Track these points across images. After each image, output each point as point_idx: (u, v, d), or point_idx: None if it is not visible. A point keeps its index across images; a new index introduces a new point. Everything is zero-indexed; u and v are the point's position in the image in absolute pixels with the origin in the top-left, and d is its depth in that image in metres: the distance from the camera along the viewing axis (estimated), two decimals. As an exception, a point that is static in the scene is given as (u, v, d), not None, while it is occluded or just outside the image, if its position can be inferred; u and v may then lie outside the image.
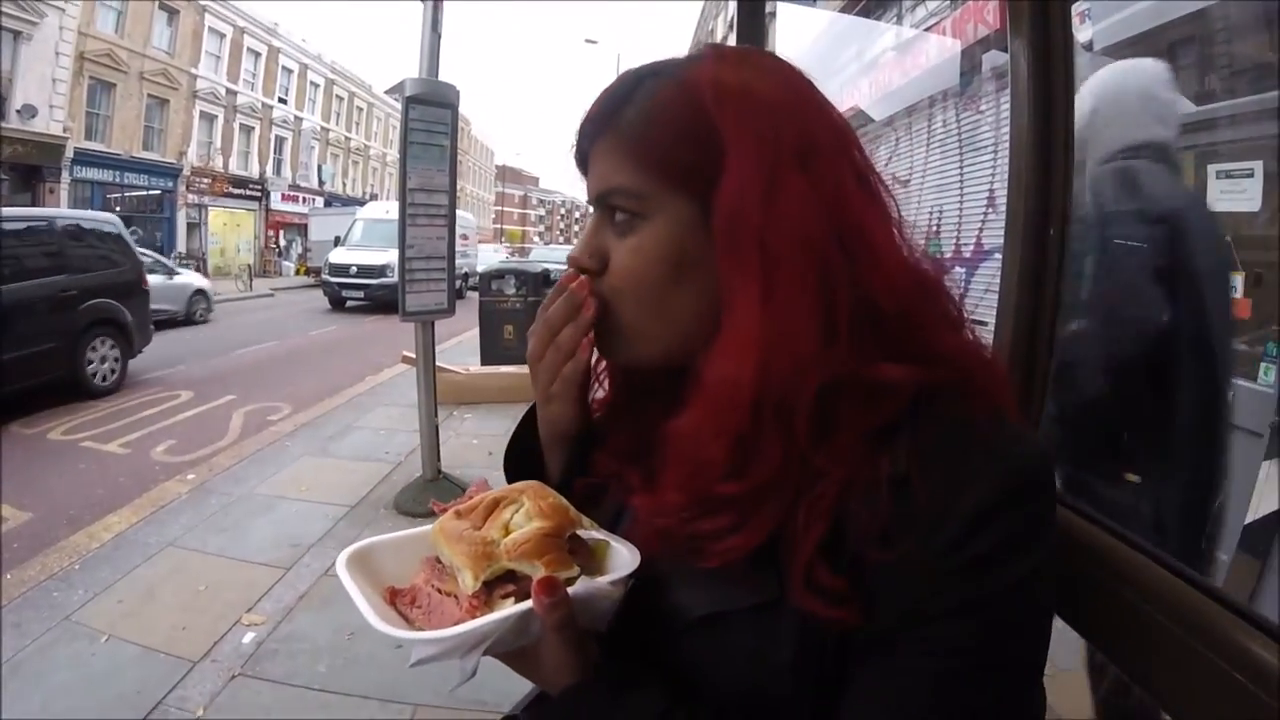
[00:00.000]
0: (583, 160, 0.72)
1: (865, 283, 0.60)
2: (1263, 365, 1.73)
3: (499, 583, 0.60)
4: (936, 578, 0.54)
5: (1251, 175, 1.76)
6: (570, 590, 0.58)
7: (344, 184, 36.91)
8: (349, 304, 18.63)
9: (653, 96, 0.66)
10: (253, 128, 29.22)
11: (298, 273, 30.03)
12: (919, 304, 0.63)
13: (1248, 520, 1.62)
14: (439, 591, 0.62)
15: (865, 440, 0.57)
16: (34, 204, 18.83)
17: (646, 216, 0.66)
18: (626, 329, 0.69)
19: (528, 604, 0.57)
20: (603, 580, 0.61)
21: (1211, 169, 1.88)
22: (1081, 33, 2.27)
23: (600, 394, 0.82)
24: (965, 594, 0.53)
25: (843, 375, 0.59)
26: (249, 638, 3.10)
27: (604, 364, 0.79)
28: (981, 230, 3.18)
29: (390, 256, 17.64)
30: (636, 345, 0.70)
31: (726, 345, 0.61)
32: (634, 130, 0.66)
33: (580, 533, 0.65)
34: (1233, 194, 1.81)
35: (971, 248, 3.22)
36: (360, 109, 39.22)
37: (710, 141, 0.62)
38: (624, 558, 0.64)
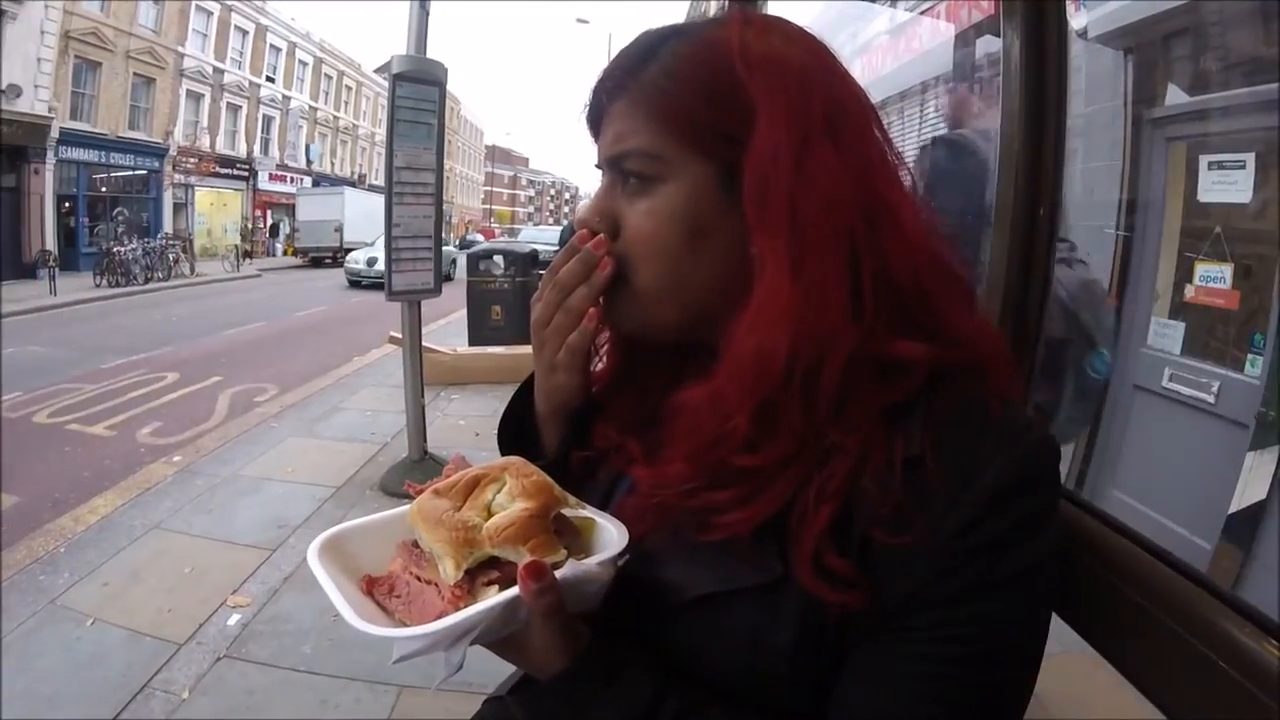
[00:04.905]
0: (596, 121, 0.70)
1: (886, 257, 0.59)
2: (1249, 356, 1.74)
3: (482, 569, 0.58)
4: (944, 561, 0.53)
5: (1243, 167, 1.75)
6: (557, 574, 0.55)
7: (332, 163, 36.49)
8: None
9: (677, 56, 0.64)
10: (240, 107, 28.75)
11: (285, 253, 29.82)
12: (935, 282, 0.62)
13: (1231, 510, 1.63)
14: (418, 579, 0.59)
15: (880, 418, 0.57)
16: (19, 185, 18.58)
17: (663, 179, 0.64)
18: (639, 295, 0.67)
19: (514, 591, 0.54)
20: (591, 562, 0.58)
21: (1203, 160, 1.87)
22: (1075, 20, 2.26)
23: (599, 366, 0.80)
24: (971, 579, 0.53)
25: (865, 349, 0.57)
26: (234, 620, 3.09)
27: (604, 335, 0.77)
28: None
29: None
30: (648, 313, 0.68)
31: (758, 312, 0.59)
32: (656, 89, 0.63)
33: (566, 511, 0.63)
34: (1224, 185, 1.81)
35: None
36: (349, 88, 38.68)
37: (738, 104, 0.60)
38: (612, 536, 0.62)
